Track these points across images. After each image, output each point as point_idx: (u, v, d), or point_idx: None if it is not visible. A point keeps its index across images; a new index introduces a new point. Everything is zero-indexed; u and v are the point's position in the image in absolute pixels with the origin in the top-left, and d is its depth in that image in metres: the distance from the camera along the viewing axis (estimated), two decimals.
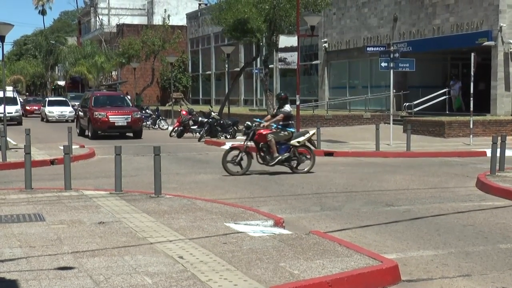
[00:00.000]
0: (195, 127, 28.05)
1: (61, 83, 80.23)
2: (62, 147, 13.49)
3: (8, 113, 39.70)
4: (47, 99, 48.16)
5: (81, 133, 29.61)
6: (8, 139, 20.84)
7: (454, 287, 6.56)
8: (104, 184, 13.46)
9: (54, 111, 44.68)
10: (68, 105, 46.19)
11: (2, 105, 22.17)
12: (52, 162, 17.86)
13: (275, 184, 13.80)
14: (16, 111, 40.48)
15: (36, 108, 53.79)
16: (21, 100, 50.78)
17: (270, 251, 7.29)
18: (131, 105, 30.45)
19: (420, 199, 11.82)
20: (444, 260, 7.54)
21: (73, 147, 19.30)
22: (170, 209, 9.98)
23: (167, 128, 33.74)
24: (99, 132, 27.78)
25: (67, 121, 43.04)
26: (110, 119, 27.52)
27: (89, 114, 27.99)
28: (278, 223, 9.11)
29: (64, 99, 49.52)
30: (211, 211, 9.82)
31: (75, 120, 32.65)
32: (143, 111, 37.83)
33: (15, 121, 39.19)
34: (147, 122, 35.52)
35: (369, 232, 9.08)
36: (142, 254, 7.20)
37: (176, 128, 29.05)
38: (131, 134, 29.28)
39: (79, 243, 7.73)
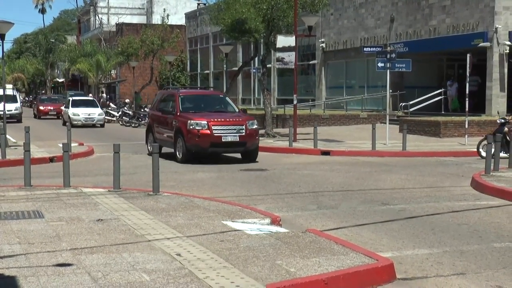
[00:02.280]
0: None
1: (60, 80, 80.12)
2: (61, 145, 13.54)
3: (8, 110, 39.82)
4: (70, 98, 39.63)
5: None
6: (7, 136, 20.89)
7: (448, 286, 6.64)
8: (103, 182, 13.53)
9: (80, 114, 36.44)
10: (97, 106, 38.37)
11: (2, 103, 22.16)
12: (51, 160, 17.93)
13: (272, 183, 13.87)
14: (16, 109, 40.52)
15: (51, 108, 47.22)
16: (21, 98, 50.49)
17: (266, 249, 7.36)
18: (237, 110, 19.86)
19: (416, 198, 11.90)
20: (439, 258, 7.62)
21: (72, 145, 19.39)
22: (168, 207, 10.04)
23: None
24: (195, 151, 17.79)
25: (94, 125, 36.42)
26: (214, 131, 17.47)
27: (178, 124, 17.99)
28: (275, 221, 9.18)
29: (91, 98, 42.43)
30: (209, 209, 9.89)
31: (147, 134, 20.75)
32: (142, 110, 37.89)
33: (15, 118, 39.24)
34: (146, 121, 35.53)
35: (365, 230, 9.16)
36: (140, 251, 7.27)
37: None
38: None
39: (77, 240, 7.79)
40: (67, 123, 34.74)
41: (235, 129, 17.64)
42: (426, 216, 10.15)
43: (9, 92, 42.74)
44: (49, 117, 46.09)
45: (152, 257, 6.99)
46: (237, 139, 17.57)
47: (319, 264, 6.75)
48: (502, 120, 18.06)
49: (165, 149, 19.46)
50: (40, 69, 75.51)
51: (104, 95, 56.98)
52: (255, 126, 18.13)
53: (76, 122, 35.41)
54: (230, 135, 17.55)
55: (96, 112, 36.95)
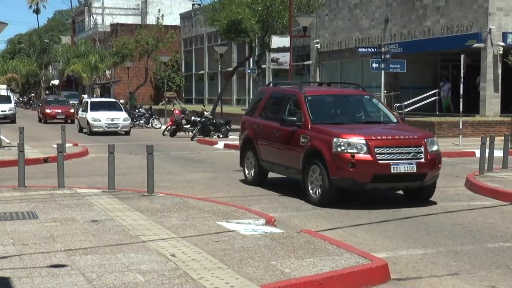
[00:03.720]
0: (188, 126, 28.09)
1: (55, 82, 79.98)
2: (55, 146, 13.52)
3: (1, 111, 39.78)
4: (88, 100, 33.58)
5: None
6: (1, 137, 20.86)
7: (443, 286, 6.66)
8: (97, 182, 13.51)
9: (101, 119, 29.94)
10: (121, 109, 31.91)
11: None
12: (45, 160, 17.88)
13: (267, 184, 13.85)
14: (10, 109, 40.47)
15: (59, 111, 41.30)
16: (15, 98, 50.09)
17: (261, 250, 7.36)
18: (394, 118, 12.80)
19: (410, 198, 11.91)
20: (433, 259, 7.64)
21: (67, 145, 19.34)
22: (163, 207, 10.04)
23: (160, 127, 33.74)
24: (346, 187, 11.34)
25: (118, 133, 30.04)
26: (379, 157, 11.03)
27: (313, 142, 11.56)
28: (269, 222, 9.19)
29: (113, 100, 36.01)
30: (203, 209, 9.89)
31: (243, 151, 14.13)
32: (137, 110, 37.86)
33: (9, 119, 39.17)
34: (140, 121, 35.55)
35: (360, 231, 9.18)
36: (135, 252, 7.26)
37: (169, 127, 29.08)
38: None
39: (72, 241, 7.78)
40: (84, 130, 30.82)
41: (409, 153, 11.04)
42: (421, 217, 10.18)
43: (3, 92, 42.74)
44: (56, 121, 39.93)
45: (146, 258, 6.99)
46: (414, 169, 10.96)
47: (314, 264, 6.76)
48: None
49: (157, 152, 18.98)
50: (34, 70, 75.37)
51: (85, 95, 56.36)
52: (436, 147, 11.56)
53: (96, 129, 29.74)
54: (403, 163, 10.93)
55: (120, 117, 30.30)
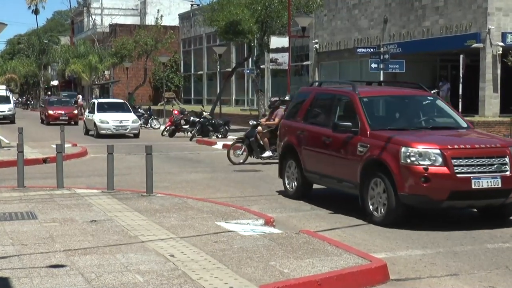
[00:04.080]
0: (186, 126, 28.09)
1: (55, 82, 79.97)
2: (54, 146, 13.52)
3: (1, 111, 39.80)
4: (95, 101, 31.83)
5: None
6: (1, 137, 20.84)
7: (442, 286, 6.66)
8: (96, 183, 13.51)
9: (109, 120, 28.28)
10: (129, 110, 30.14)
11: None
12: (44, 161, 17.89)
13: (266, 184, 13.87)
14: (9, 110, 40.47)
15: (62, 112, 39.83)
16: (14, 99, 49.90)
17: (260, 250, 7.36)
18: (464, 123, 11.05)
19: None
20: (432, 259, 7.64)
21: (66, 145, 19.33)
22: (162, 207, 10.04)
23: (159, 128, 33.75)
24: (417, 206, 9.84)
25: (126, 135, 28.50)
26: (457, 170, 9.36)
27: (373, 152, 9.98)
28: (268, 222, 9.19)
29: (121, 101, 33.74)
30: (202, 210, 9.89)
31: (282, 160, 12.64)
32: (135, 110, 37.85)
33: (8, 119, 39.17)
34: (139, 122, 35.51)
35: (359, 231, 9.17)
36: (134, 252, 7.26)
37: (168, 128, 29.08)
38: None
39: (71, 241, 7.78)
40: (90, 132, 29.37)
41: (492, 164, 9.37)
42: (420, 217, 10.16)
43: (2, 93, 42.73)
44: (59, 122, 37.60)
45: (145, 258, 6.99)
46: (499, 183, 9.31)
47: (313, 265, 6.76)
48: None
49: (156, 152, 18.64)
50: (33, 70, 75.35)
51: (80, 96, 56.06)
52: None
53: (104, 131, 28.15)
54: (485, 177, 9.29)
55: (129, 119, 28.62)
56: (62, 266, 6.68)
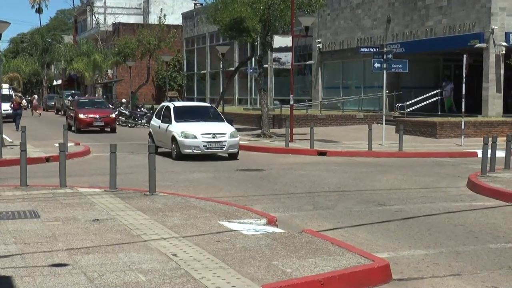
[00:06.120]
0: None
1: (59, 82, 80.00)
2: (57, 145, 13.53)
3: (4, 110, 39.76)
4: (169, 105, 21.02)
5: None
6: (4, 136, 20.86)
7: (444, 286, 6.65)
8: (99, 182, 13.51)
9: (197, 134, 18.72)
10: (222, 119, 20.40)
11: None
12: (47, 160, 17.92)
13: (268, 183, 13.87)
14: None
15: (97, 116, 31.56)
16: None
17: (263, 250, 7.36)
18: None
19: (412, 199, 11.91)
20: (435, 259, 7.63)
21: (69, 144, 19.36)
22: (164, 207, 10.04)
23: None
24: None
25: (217, 156, 19.47)
26: None
27: None
28: (271, 222, 9.18)
29: (206, 104, 24.88)
30: (205, 209, 9.89)
31: None
32: (138, 110, 37.90)
33: (11, 118, 39.21)
34: (142, 121, 35.57)
35: (361, 231, 9.17)
36: (136, 251, 7.26)
37: None
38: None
39: (73, 240, 7.78)
40: (161, 148, 19.67)
41: None
42: (422, 217, 10.16)
43: (6, 91, 42.76)
44: (92, 129, 31.16)
45: (148, 257, 6.99)
46: None
47: (315, 264, 6.76)
48: None
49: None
50: (36, 69, 75.44)
51: (36, 96, 55.70)
52: None
53: (190, 150, 18.54)
54: None
55: (225, 131, 19.06)
56: (64, 265, 6.68)
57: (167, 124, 19.70)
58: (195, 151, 18.57)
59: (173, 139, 18.98)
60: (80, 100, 35.34)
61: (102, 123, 31.55)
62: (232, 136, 19.00)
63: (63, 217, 9.17)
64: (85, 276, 6.29)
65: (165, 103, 22.83)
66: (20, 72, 76.78)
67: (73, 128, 31.46)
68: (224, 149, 18.83)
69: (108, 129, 31.45)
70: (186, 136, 18.65)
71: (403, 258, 7.67)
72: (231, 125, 20.29)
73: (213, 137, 18.71)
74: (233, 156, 19.10)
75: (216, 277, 6.27)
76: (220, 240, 7.82)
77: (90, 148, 21.20)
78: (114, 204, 10.23)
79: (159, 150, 19.04)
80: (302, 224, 9.58)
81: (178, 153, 18.71)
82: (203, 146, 18.61)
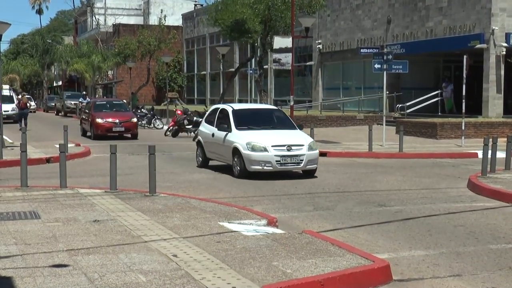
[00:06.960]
0: (190, 126, 28.08)
1: (59, 83, 80.00)
2: (58, 146, 13.54)
3: (4, 111, 39.76)
4: (228, 108, 16.61)
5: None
6: (4, 137, 20.86)
7: (445, 287, 6.65)
8: (99, 183, 13.52)
9: (267, 146, 14.74)
10: (294, 127, 16.13)
11: None
12: (47, 160, 17.92)
13: (269, 184, 13.86)
14: (13, 109, 40.49)
15: (116, 121, 27.48)
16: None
17: (263, 250, 7.36)
18: None
19: (412, 199, 11.92)
20: (435, 260, 7.63)
21: (69, 145, 19.36)
22: (165, 207, 10.04)
23: (162, 128, 33.76)
24: None
25: (285, 173, 15.51)
26: None
27: None
28: (271, 223, 9.19)
29: (271, 107, 18.97)
30: (205, 210, 9.89)
31: None
32: (139, 110, 37.88)
33: (12, 119, 39.24)
34: (142, 122, 35.57)
35: (361, 232, 9.17)
36: (137, 252, 7.27)
37: (171, 128, 29.09)
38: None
39: (74, 241, 7.79)
40: (213, 162, 16.78)
41: None
42: (423, 218, 10.17)
43: (6, 92, 42.78)
44: (111, 134, 27.06)
45: (148, 258, 6.99)
46: None
47: (316, 265, 6.76)
48: None
49: (159, 152, 18.07)
50: (37, 70, 75.44)
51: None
52: None
53: (259, 167, 14.70)
54: None
55: (302, 142, 15.15)
56: (65, 265, 6.69)
57: (225, 132, 15.77)
58: (265, 167, 14.65)
59: (235, 151, 15.07)
60: (97, 103, 31.06)
61: (123, 129, 27.54)
62: (310, 148, 15.07)
63: (63, 218, 9.18)
64: (86, 277, 6.30)
65: (219, 106, 18.13)
66: (19, 74, 76.77)
67: (88, 134, 28.27)
68: (302, 165, 14.85)
69: (129, 135, 27.80)
70: (253, 149, 14.70)
71: (403, 258, 7.67)
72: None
73: (288, 150, 14.74)
74: (310, 173, 15.24)
75: (217, 278, 6.28)
76: (221, 241, 7.82)
77: (90, 149, 21.21)
78: (115, 205, 10.23)
79: (210, 163, 16.69)
80: (302, 225, 9.58)
81: (242, 169, 14.84)
82: (276, 161, 14.62)
